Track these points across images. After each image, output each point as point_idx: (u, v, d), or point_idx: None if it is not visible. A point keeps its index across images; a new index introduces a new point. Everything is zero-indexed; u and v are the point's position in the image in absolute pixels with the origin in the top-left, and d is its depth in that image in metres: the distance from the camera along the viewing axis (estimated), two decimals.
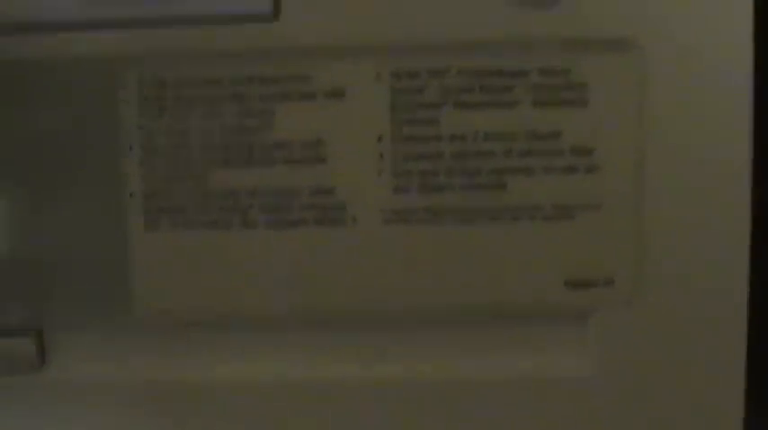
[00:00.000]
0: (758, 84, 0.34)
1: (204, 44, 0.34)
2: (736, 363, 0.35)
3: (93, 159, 0.35)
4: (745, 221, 0.34)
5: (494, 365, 0.36)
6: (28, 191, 0.35)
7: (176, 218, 0.35)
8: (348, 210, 0.35)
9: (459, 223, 0.35)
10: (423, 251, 0.35)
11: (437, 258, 0.35)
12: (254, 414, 0.36)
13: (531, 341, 0.36)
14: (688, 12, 0.34)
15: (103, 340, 0.36)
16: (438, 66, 0.34)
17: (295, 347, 0.36)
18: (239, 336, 0.36)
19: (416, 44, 0.34)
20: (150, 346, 0.36)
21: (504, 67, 0.34)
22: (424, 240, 0.35)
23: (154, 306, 0.35)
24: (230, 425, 0.36)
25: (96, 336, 0.36)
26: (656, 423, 0.35)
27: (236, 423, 0.36)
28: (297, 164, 0.35)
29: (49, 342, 0.36)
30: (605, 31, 0.34)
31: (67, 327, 0.36)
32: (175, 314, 0.35)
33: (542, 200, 0.35)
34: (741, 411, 0.35)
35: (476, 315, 0.35)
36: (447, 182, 0.35)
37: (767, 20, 0.34)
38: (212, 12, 0.34)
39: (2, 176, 0.35)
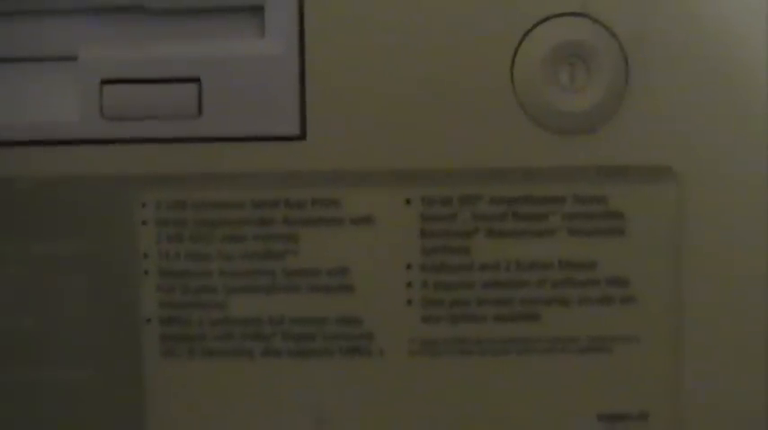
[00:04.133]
0: None
1: (227, 165, 0.33)
2: None
3: (106, 283, 0.33)
4: None
5: None
6: (34, 316, 0.34)
7: (195, 345, 0.34)
8: (375, 341, 0.33)
9: (490, 355, 0.33)
10: (451, 384, 0.33)
11: (466, 392, 0.34)
12: None
13: None
14: (727, 140, 0.33)
15: None
16: (470, 192, 0.33)
17: None
18: None
19: (448, 170, 0.33)
20: None
21: (537, 194, 0.33)
22: (454, 373, 0.33)
23: None
24: None
25: None
26: None
27: None
28: (322, 292, 0.33)
29: None
30: (643, 159, 0.33)
31: None
32: None
33: (577, 332, 0.33)
34: None
35: None
36: (478, 312, 0.33)
37: None
38: (236, 132, 0.33)
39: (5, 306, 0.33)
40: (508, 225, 0.33)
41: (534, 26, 0.33)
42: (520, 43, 0.33)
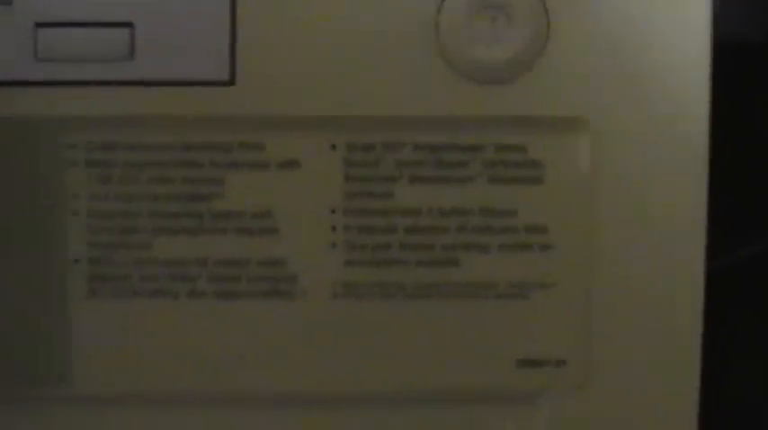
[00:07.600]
0: (713, 162, 0.34)
1: (156, 108, 0.34)
2: None
3: (35, 223, 0.34)
4: (699, 304, 0.34)
5: None
6: None
7: (120, 286, 0.34)
8: (299, 283, 0.34)
9: (411, 299, 0.34)
10: (372, 327, 0.34)
11: (387, 334, 0.34)
12: None
13: (479, 423, 0.35)
14: (643, 92, 0.34)
15: (40, 414, 0.34)
16: (393, 139, 0.34)
17: (241, 424, 0.35)
18: (184, 412, 0.35)
19: (372, 117, 0.34)
20: (89, 422, 0.34)
21: (459, 142, 0.34)
22: (375, 316, 0.34)
23: (94, 378, 0.34)
24: None
25: (33, 410, 0.34)
26: None
27: None
28: (247, 234, 0.34)
29: None
30: (561, 110, 0.34)
31: (2, 400, 0.34)
32: (117, 387, 0.34)
33: (496, 277, 0.34)
34: None
35: (424, 394, 0.35)
36: (400, 256, 0.34)
37: (724, 100, 0.34)
38: (167, 76, 0.34)
39: None
40: (430, 172, 0.34)
41: None
42: None
